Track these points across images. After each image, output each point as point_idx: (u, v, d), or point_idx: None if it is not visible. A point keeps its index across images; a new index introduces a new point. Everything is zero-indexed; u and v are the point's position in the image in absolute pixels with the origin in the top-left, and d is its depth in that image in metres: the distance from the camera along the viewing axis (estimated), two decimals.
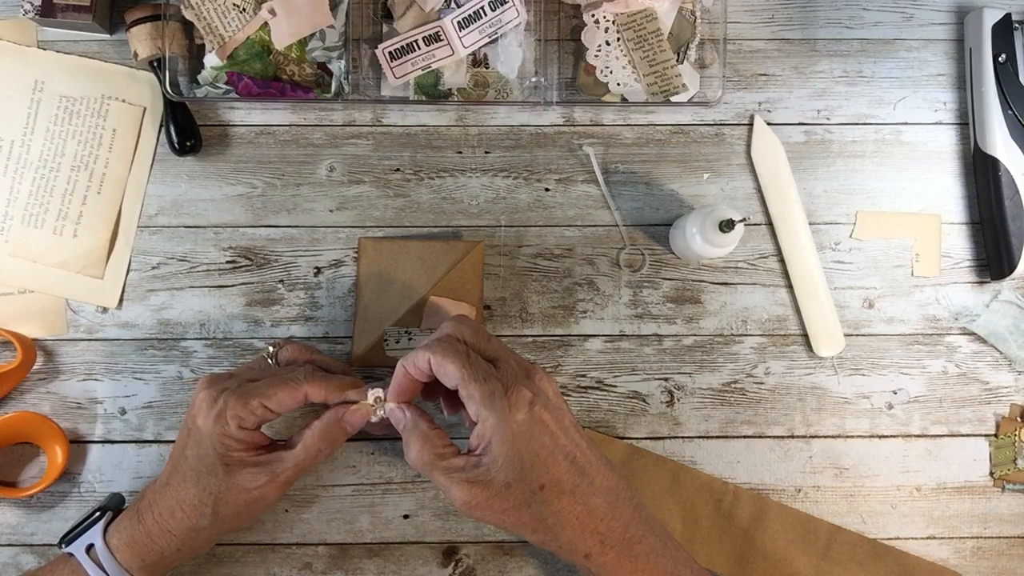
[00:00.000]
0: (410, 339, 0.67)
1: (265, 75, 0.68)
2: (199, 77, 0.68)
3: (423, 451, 0.55)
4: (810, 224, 0.70)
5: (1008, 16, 0.69)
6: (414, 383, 0.57)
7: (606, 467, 0.56)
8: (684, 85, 0.69)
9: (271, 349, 0.63)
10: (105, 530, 0.58)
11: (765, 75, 0.72)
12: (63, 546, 0.59)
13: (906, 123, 0.72)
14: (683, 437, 0.69)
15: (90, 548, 0.58)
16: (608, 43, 0.69)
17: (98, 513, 0.60)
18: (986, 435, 0.70)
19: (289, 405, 0.57)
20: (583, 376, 0.69)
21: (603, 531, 0.55)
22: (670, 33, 0.69)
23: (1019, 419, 0.69)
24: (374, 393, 0.58)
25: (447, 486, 0.54)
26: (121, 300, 0.68)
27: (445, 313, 0.67)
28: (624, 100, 0.70)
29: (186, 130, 0.68)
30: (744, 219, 0.61)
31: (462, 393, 0.54)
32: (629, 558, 0.55)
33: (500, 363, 0.55)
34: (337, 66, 0.68)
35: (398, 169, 0.70)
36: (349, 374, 0.63)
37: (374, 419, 0.59)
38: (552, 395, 0.56)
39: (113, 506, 0.61)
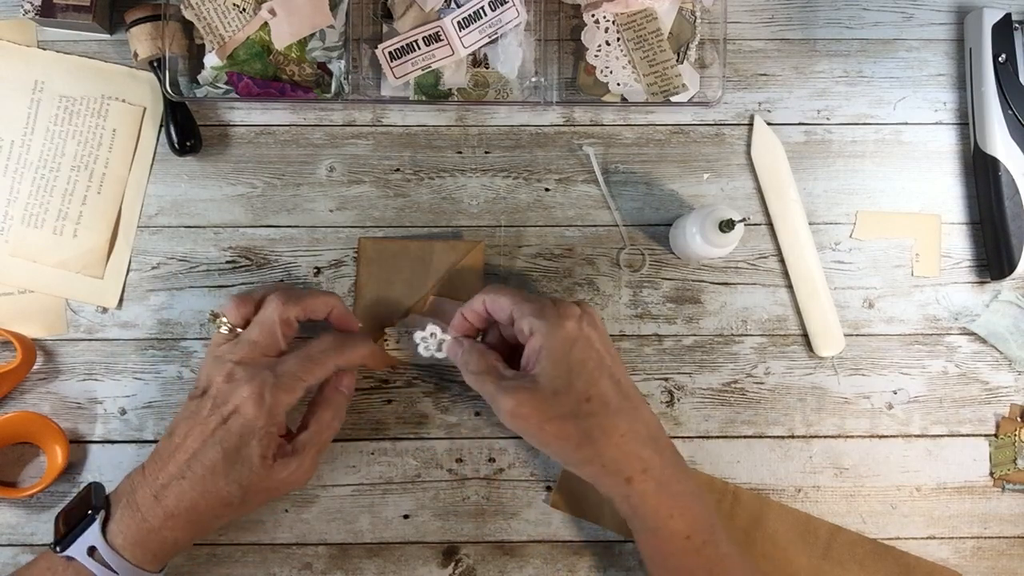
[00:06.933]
0: (410, 339, 0.67)
1: (265, 75, 0.68)
2: (199, 77, 0.68)
3: (480, 362, 0.59)
4: (810, 224, 0.70)
5: (1008, 16, 0.69)
6: (471, 327, 0.62)
7: (647, 407, 0.59)
8: (684, 85, 0.69)
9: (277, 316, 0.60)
10: (103, 531, 0.56)
11: (765, 75, 0.72)
12: (59, 550, 0.56)
13: (906, 123, 0.72)
14: (683, 437, 0.69)
15: (92, 550, 0.56)
16: (608, 43, 0.69)
17: (90, 512, 0.57)
18: (986, 435, 0.70)
19: (322, 379, 0.61)
20: None
21: (646, 458, 0.56)
22: (670, 33, 0.69)
23: (1019, 419, 0.69)
24: (431, 329, 0.62)
25: (495, 395, 0.56)
26: (121, 300, 0.68)
27: (447, 311, 0.67)
28: (624, 100, 0.70)
29: (186, 130, 0.68)
30: (744, 219, 0.61)
31: (515, 313, 0.57)
32: (668, 495, 0.57)
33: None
34: (337, 66, 0.68)
35: (398, 169, 0.70)
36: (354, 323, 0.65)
37: (425, 355, 0.63)
38: (599, 322, 0.59)
39: (100, 503, 0.58)
